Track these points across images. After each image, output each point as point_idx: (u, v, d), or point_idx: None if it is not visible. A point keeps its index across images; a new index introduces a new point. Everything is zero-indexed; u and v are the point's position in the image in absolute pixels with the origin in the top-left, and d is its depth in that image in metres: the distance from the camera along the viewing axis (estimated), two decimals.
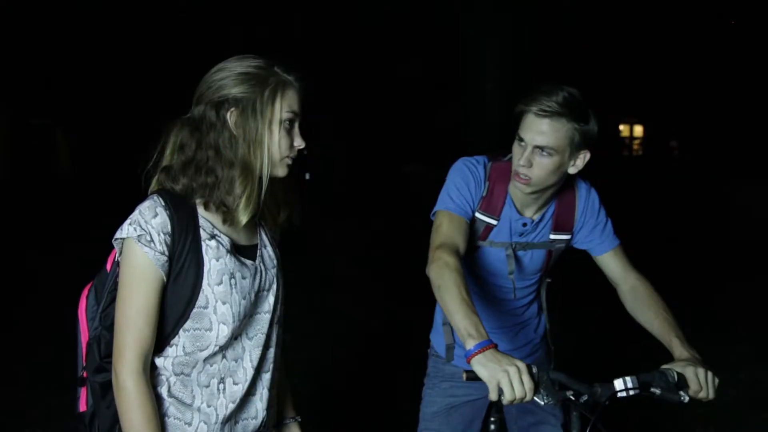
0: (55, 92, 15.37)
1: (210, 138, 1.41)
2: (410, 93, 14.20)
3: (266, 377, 1.55)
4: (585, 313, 5.11)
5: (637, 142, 21.98)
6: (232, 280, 1.43)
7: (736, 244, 8.83)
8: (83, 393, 1.49)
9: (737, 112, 16.24)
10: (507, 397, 1.31)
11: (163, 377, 1.43)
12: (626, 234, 2.01)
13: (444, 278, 1.57)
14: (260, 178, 1.43)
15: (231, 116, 1.41)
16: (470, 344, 1.39)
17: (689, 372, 1.53)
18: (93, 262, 1.54)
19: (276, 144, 1.43)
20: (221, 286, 1.41)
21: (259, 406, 1.54)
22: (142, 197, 1.43)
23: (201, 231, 1.42)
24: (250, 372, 1.50)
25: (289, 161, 1.47)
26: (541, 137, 1.69)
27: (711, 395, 1.54)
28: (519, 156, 1.74)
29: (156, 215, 1.37)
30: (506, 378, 1.31)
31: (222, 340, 1.43)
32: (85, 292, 1.52)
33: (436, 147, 12.47)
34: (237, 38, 12.33)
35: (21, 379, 4.18)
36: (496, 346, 1.39)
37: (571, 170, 1.79)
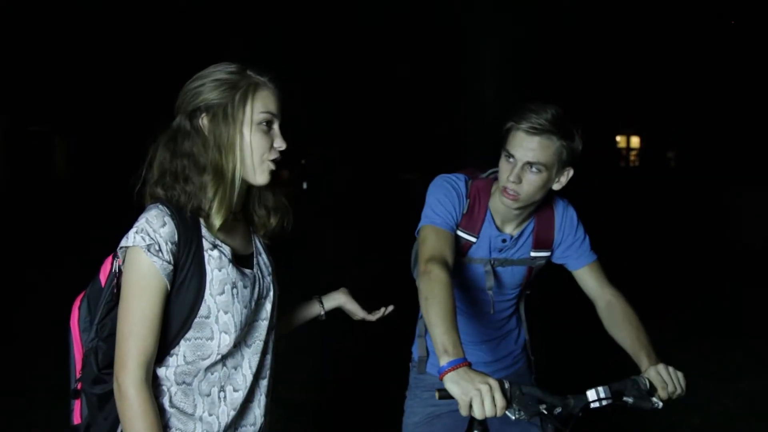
0: (53, 99, 15.38)
1: (185, 146, 1.42)
2: (409, 101, 14.25)
3: (263, 384, 1.57)
4: (563, 325, 5.12)
5: (633, 153, 22.04)
6: (234, 290, 1.44)
7: (735, 253, 8.86)
8: (77, 405, 1.49)
9: (734, 122, 16.30)
10: (477, 415, 1.32)
11: (164, 388, 1.43)
12: (622, 244, 2.03)
13: (432, 291, 1.58)
14: (233, 181, 1.43)
15: (204, 123, 1.42)
16: (444, 361, 1.40)
17: (651, 373, 1.56)
18: (91, 272, 1.55)
19: (248, 146, 1.43)
20: (223, 296, 1.42)
21: (257, 412, 1.55)
22: (135, 211, 1.43)
23: (204, 241, 1.42)
24: (250, 379, 1.51)
25: (272, 165, 1.46)
26: (532, 153, 1.72)
27: (680, 389, 1.55)
28: (508, 172, 1.76)
29: (164, 224, 1.37)
30: (478, 396, 1.32)
31: (224, 349, 1.44)
32: (77, 303, 1.51)
33: (435, 155, 12.51)
34: (236, 44, 12.36)
35: (20, 388, 4.17)
36: (470, 365, 1.40)
37: (556, 186, 1.82)
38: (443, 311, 1.53)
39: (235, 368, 1.49)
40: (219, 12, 12.56)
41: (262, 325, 1.54)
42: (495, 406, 1.32)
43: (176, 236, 1.38)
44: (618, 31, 14.60)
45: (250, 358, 1.51)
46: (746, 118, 15.89)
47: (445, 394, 1.37)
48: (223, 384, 1.47)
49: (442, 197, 1.87)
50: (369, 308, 1.96)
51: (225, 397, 1.48)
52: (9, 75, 13.78)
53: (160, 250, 1.35)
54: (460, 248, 1.91)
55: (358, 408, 3.93)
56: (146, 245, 1.34)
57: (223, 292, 1.42)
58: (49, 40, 14.02)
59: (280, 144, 1.46)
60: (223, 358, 1.46)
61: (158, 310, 1.36)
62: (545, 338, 2.70)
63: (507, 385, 1.38)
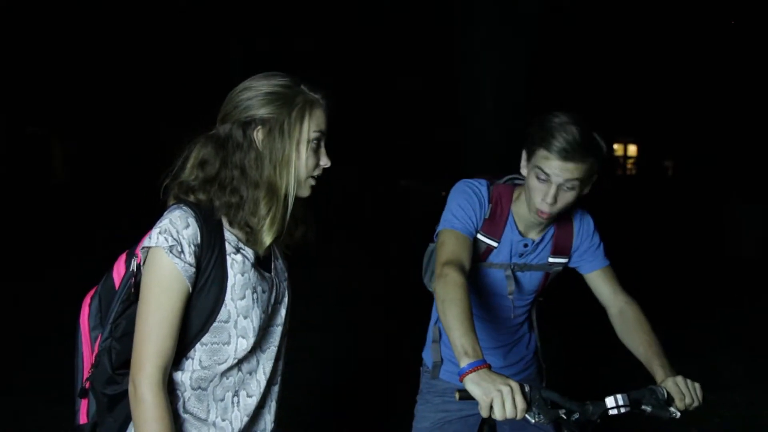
0: (51, 101, 15.36)
1: (236, 157, 1.40)
2: (409, 108, 14.27)
3: (275, 389, 1.56)
4: (572, 332, 5.12)
5: (631, 161, 22.11)
6: (254, 294, 1.43)
7: (731, 263, 8.88)
8: (84, 405, 1.47)
9: (731, 131, 16.36)
10: (497, 416, 1.32)
11: (179, 392, 1.42)
12: (619, 253, 2.04)
13: (449, 294, 1.59)
14: (285, 198, 1.43)
15: (258, 136, 1.40)
16: (464, 362, 1.41)
17: (669, 384, 1.57)
18: (91, 272, 1.54)
19: (303, 164, 1.43)
20: (244, 301, 1.41)
21: (267, 418, 1.55)
22: (144, 210, 1.43)
23: (227, 244, 1.41)
24: (263, 384, 1.50)
25: (313, 181, 1.47)
26: (569, 174, 1.70)
27: (697, 400, 1.57)
28: (543, 193, 1.74)
29: (188, 226, 1.35)
30: (499, 397, 1.32)
31: (241, 353, 1.43)
32: (87, 300, 1.50)
33: (434, 162, 12.52)
34: (237, 50, 12.38)
35: (17, 389, 4.15)
36: (489, 367, 1.41)
37: (584, 192, 1.83)
38: (461, 314, 1.54)
39: (250, 374, 1.48)
40: (219, 15, 12.58)
41: (277, 330, 1.54)
42: (515, 408, 1.32)
43: (199, 238, 1.36)
44: (616, 40, 14.66)
45: (264, 364, 1.51)
46: (744, 126, 15.94)
47: (465, 395, 1.37)
48: (237, 389, 1.46)
49: (464, 202, 1.87)
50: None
51: (238, 402, 1.47)
52: (7, 76, 13.77)
53: (183, 251, 1.33)
54: (481, 253, 1.92)
55: (360, 412, 3.92)
56: (169, 246, 1.32)
57: (244, 297, 1.41)
58: (47, 41, 14.02)
59: (326, 162, 1.47)
60: (239, 363, 1.45)
61: (178, 312, 1.35)
62: (555, 345, 2.70)
63: (527, 389, 1.38)
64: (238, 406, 1.46)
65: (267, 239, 1.42)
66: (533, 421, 1.39)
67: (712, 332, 5.69)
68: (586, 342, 4.92)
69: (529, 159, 1.78)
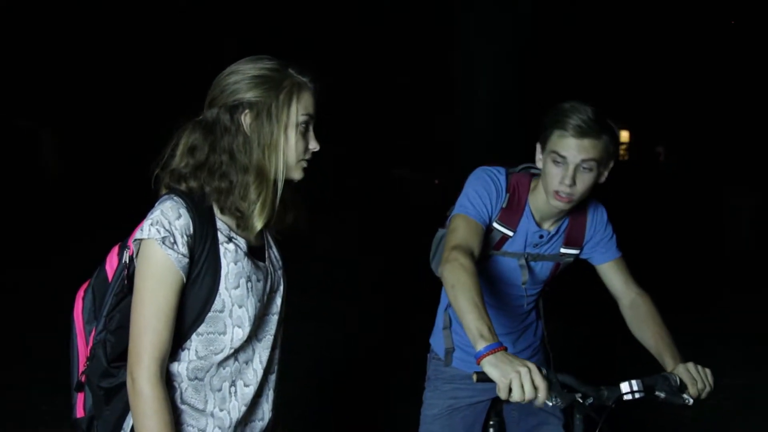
0: (41, 93, 15.23)
1: (224, 142, 1.40)
2: (404, 98, 14.25)
3: (272, 378, 1.56)
4: (579, 322, 5.13)
5: (623, 147, 22.14)
6: (249, 283, 1.42)
7: (725, 251, 8.93)
8: (80, 398, 1.46)
9: (723, 117, 16.41)
10: (516, 398, 1.32)
11: (176, 384, 1.41)
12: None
13: (459, 279, 1.59)
14: (274, 182, 1.42)
15: (246, 120, 1.39)
16: (481, 345, 1.41)
17: (681, 371, 1.59)
18: (84, 266, 1.52)
19: (292, 148, 1.42)
20: (238, 290, 1.40)
21: (265, 407, 1.55)
22: (136, 201, 1.41)
23: (219, 234, 1.40)
24: (260, 373, 1.50)
25: (305, 164, 1.47)
26: (585, 153, 1.71)
27: (709, 385, 1.59)
28: (560, 176, 1.74)
29: (180, 216, 1.35)
30: (518, 378, 1.32)
31: (237, 343, 1.42)
32: (80, 293, 1.49)
33: (429, 152, 12.51)
34: (230, 42, 12.30)
35: (14, 382, 4.13)
36: (506, 349, 1.41)
37: (602, 179, 1.83)
38: (472, 298, 1.54)
39: (247, 363, 1.48)
40: (213, 8, 12.51)
41: (273, 319, 1.53)
42: (535, 388, 1.32)
43: (192, 228, 1.35)
44: (608, 27, 14.65)
45: (261, 353, 1.51)
46: (736, 111, 15.99)
47: (483, 377, 1.37)
48: (234, 379, 1.46)
49: (481, 189, 1.86)
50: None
51: (236, 392, 1.46)
52: None
53: (175, 242, 1.33)
54: (496, 242, 1.92)
55: (357, 402, 3.92)
56: (161, 237, 1.32)
57: (238, 286, 1.40)
58: (35, 34, 13.89)
59: (315, 146, 1.46)
60: (235, 353, 1.44)
61: (174, 303, 1.34)
62: (562, 335, 2.71)
63: (544, 371, 1.38)
64: (235, 395, 1.46)
65: (258, 224, 1.41)
66: (550, 404, 1.39)
67: (707, 319, 5.72)
68: (592, 331, 4.94)
69: (544, 146, 1.79)
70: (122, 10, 13.25)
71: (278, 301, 1.55)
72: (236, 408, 1.46)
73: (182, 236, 1.34)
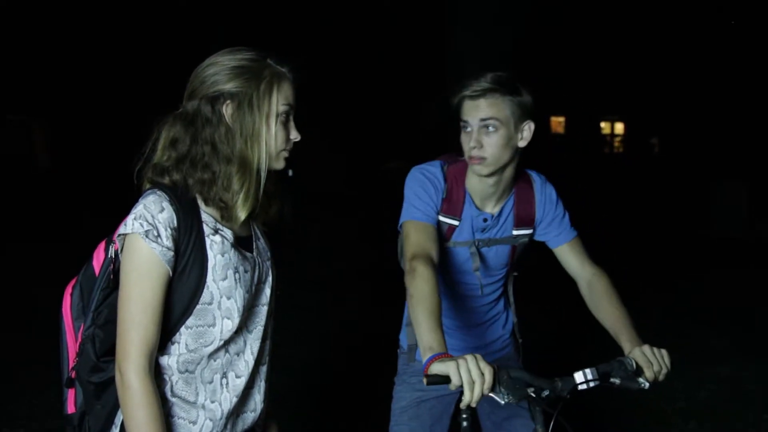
0: (32, 88, 15.14)
1: (206, 133, 1.40)
2: (395, 90, 14.20)
3: (263, 369, 1.56)
4: (549, 306, 5.15)
5: (618, 139, 22.16)
6: (236, 275, 1.42)
7: (716, 239, 8.96)
8: (71, 394, 1.46)
9: (718, 109, 16.43)
10: (465, 381, 1.32)
11: (166, 377, 1.41)
12: (605, 230, 2.04)
13: (417, 289, 1.61)
14: (257, 172, 1.42)
15: (227, 111, 1.40)
16: (428, 355, 1.43)
17: (636, 354, 1.57)
18: (74, 260, 1.52)
19: (273, 138, 1.42)
20: (226, 281, 1.40)
21: (257, 398, 1.55)
22: (128, 194, 1.41)
23: (204, 226, 1.40)
24: (252, 364, 1.50)
25: (286, 154, 1.47)
26: (482, 112, 1.77)
27: (665, 367, 1.57)
28: (468, 140, 1.80)
29: (162, 210, 1.34)
30: (464, 364, 1.33)
31: (226, 335, 1.43)
32: (69, 290, 1.48)
33: (420, 144, 12.46)
34: (221, 32, 12.21)
35: (6, 376, 4.12)
36: (452, 357, 1.42)
37: (521, 144, 1.84)
38: (428, 310, 1.56)
39: (238, 354, 1.48)
40: (205, 4, 12.44)
41: (263, 310, 1.53)
42: (482, 373, 1.32)
43: (176, 221, 1.35)
44: (603, 18, 14.63)
45: (251, 344, 1.50)
46: (730, 103, 16.01)
47: (432, 379, 1.37)
48: (225, 371, 1.45)
49: (419, 189, 1.88)
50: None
51: (227, 383, 1.46)
52: None
53: (159, 235, 1.32)
54: (444, 234, 1.92)
55: (343, 394, 3.93)
56: (144, 231, 1.31)
57: (226, 278, 1.40)
58: (26, 27, 13.78)
59: (295, 136, 1.47)
60: (226, 345, 1.44)
61: (160, 297, 1.34)
62: (532, 320, 2.72)
63: (493, 366, 1.38)
64: (227, 387, 1.46)
65: (242, 214, 1.41)
66: (502, 402, 1.40)
67: (695, 308, 5.75)
68: (564, 317, 4.96)
69: (457, 120, 1.84)
70: (113, 5, 13.15)
71: (267, 291, 1.54)
72: (228, 399, 1.45)
73: (166, 229, 1.33)
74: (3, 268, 6.91)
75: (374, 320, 5.22)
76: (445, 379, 1.35)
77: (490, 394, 1.38)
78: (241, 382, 1.48)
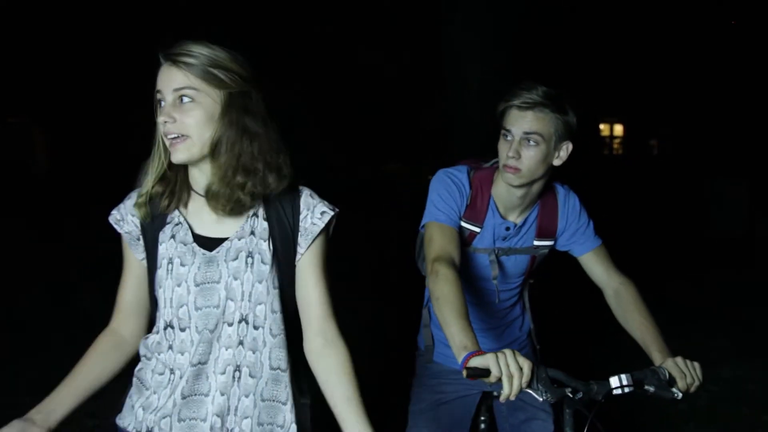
0: (32, 90, 15.14)
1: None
2: (393, 92, 14.20)
3: (222, 379, 1.45)
4: (566, 312, 5.14)
5: (617, 141, 22.15)
6: (170, 265, 1.45)
7: (716, 239, 8.95)
8: None
9: (717, 109, 16.43)
10: (503, 373, 1.33)
11: (141, 356, 1.54)
12: (606, 232, 2.03)
13: (443, 291, 1.61)
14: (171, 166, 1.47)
15: None
16: (463, 354, 1.43)
17: (669, 365, 1.58)
18: (70, 260, 1.55)
19: (159, 126, 1.42)
20: (161, 270, 1.46)
21: (210, 408, 1.44)
22: (122, 195, 1.51)
23: (168, 217, 1.48)
24: (188, 366, 1.44)
25: (167, 141, 1.40)
26: (527, 125, 1.75)
27: (698, 379, 1.58)
28: (507, 149, 1.79)
29: (130, 198, 1.52)
30: (503, 358, 1.35)
31: (162, 325, 1.48)
32: None
33: (420, 146, 12.48)
34: (217, 33, 12.22)
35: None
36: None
37: (556, 162, 1.83)
38: (456, 311, 1.56)
39: (182, 353, 1.45)
40: (203, 8, 12.45)
41: (213, 312, 1.43)
42: (521, 368, 1.34)
43: (142, 210, 1.47)
44: (602, 19, 14.63)
45: (197, 346, 1.44)
46: (730, 103, 16.01)
47: (472, 372, 1.37)
48: (172, 367, 1.46)
49: (444, 192, 1.87)
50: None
51: (173, 380, 1.46)
52: None
53: (123, 220, 1.49)
54: (465, 239, 1.91)
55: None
56: (116, 219, 1.50)
57: (160, 267, 1.46)
58: (25, 30, 13.78)
59: (159, 120, 1.40)
60: (169, 338, 1.47)
61: (135, 272, 1.53)
62: (550, 327, 2.71)
63: (533, 364, 1.39)
64: (171, 384, 1.49)
65: (143, 198, 1.46)
66: (540, 399, 1.41)
67: (696, 309, 5.74)
68: (581, 323, 4.95)
69: (500, 126, 1.83)
70: (108, 7, 13.16)
71: (221, 295, 1.43)
72: (166, 396, 1.46)
73: (130, 215, 1.50)
74: (3, 267, 6.89)
75: (382, 321, 5.21)
76: (485, 372, 1.36)
77: (528, 390, 1.39)
78: (182, 381, 1.44)
